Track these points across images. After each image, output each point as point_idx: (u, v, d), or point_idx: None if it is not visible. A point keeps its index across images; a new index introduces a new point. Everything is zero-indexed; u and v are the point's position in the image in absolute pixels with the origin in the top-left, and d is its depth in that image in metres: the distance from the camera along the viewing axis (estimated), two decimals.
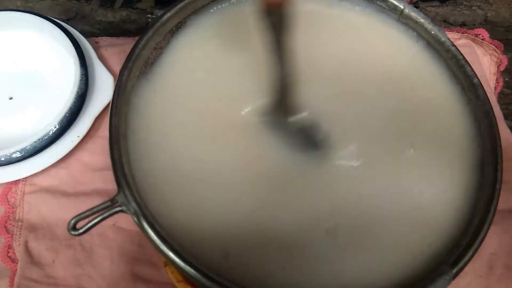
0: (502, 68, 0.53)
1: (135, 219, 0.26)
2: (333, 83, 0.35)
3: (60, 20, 0.50)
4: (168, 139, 0.31)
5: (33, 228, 0.42)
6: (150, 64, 0.33)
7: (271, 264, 0.28)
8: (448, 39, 0.34)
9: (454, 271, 0.26)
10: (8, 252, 0.42)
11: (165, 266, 0.41)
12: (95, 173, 0.44)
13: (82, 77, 0.44)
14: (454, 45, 0.34)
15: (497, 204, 0.28)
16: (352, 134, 0.33)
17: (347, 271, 0.28)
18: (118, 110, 0.29)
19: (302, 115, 0.33)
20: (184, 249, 0.26)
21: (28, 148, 0.42)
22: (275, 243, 0.29)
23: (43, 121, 0.44)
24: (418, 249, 0.29)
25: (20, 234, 0.42)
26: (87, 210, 0.26)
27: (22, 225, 0.43)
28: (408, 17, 0.35)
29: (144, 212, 0.26)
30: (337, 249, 0.29)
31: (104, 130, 0.46)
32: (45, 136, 0.42)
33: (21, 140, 0.42)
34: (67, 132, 0.43)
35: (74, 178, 0.44)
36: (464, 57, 0.33)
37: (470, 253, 0.27)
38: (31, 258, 0.41)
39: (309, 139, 0.33)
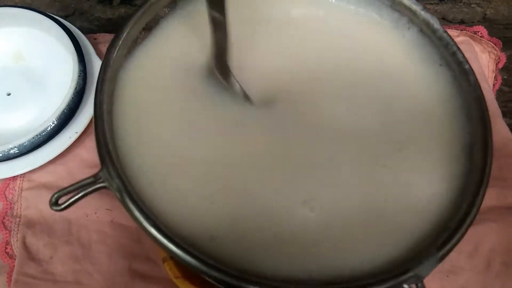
0: (500, 65, 0.54)
1: (118, 195, 0.25)
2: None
3: (58, 16, 0.50)
4: (153, 118, 0.31)
5: (31, 224, 0.42)
6: (138, 43, 0.33)
7: (258, 246, 0.28)
8: (441, 26, 0.34)
9: (441, 253, 0.26)
10: (6, 248, 0.42)
11: (164, 262, 0.41)
12: (93, 169, 0.44)
13: (80, 73, 0.43)
14: (446, 32, 0.34)
15: (485, 188, 0.28)
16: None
17: (331, 252, 0.28)
18: (104, 87, 0.28)
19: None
20: (167, 227, 0.25)
21: (26, 144, 0.41)
22: (259, 220, 0.29)
23: (41, 117, 0.44)
24: (406, 236, 0.29)
25: (18, 230, 0.42)
26: (69, 186, 0.26)
27: (20, 221, 0.43)
28: (401, 4, 0.35)
29: (128, 188, 0.26)
30: (319, 226, 0.29)
31: None
32: (43, 132, 0.42)
33: (19, 136, 0.41)
34: (65, 128, 0.43)
35: (72, 174, 0.44)
36: (456, 44, 0.33)
37: (457, 236, 0.27)
38: (29, 254, 0.41)
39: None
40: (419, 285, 0.25)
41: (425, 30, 0.35)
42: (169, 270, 0.40)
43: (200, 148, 0.31)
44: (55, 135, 0.43)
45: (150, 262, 0.42)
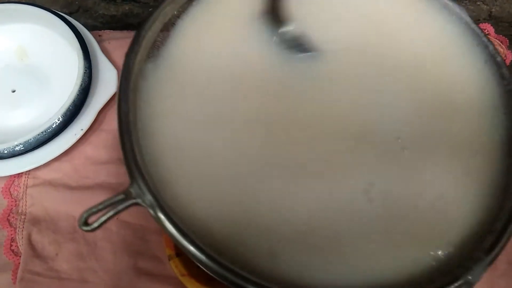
0: (507, 63, 0.53)
1: (151, 211, 0.24)
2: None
3: (62, 13, 0.49)
4: (180, 123, 0.30)
5: (36, 221, 0.42)
6: (157, 47, 0.31)
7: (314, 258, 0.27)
8: (470, 18, 0.33)
9: (490, 257, 0.25)
10: (11, 245, 0.42)
11: (169, 260, 0.41)
12: (98, 166, 0.44)
13: (85, 70, 0.43)
14: (475, 24, 0.33)
15: None
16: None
17: (377, 253, 0.27)
18: (126, 96, 0.27)
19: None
20: (205, 242, 0.24)
21: (31, 141, 0.41)
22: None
23: (46, 114, 0.44)
24: (446, 238, 0.27)
25: (23, 227, 0.42)
26: (99, 204, 0.25)
27: (25, 218, 0.42)
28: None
29: (161, 204, 0.24)
30: (374, 220, 0.27)
31: (107, 124, 0.46)
32: (48, 129, 0.41)
33: (24, 133, 0.41)
34: (71, 125, 0.43)
35: (77, 171, 0.44)
36: (486, 36, 0.32)
37: (505, 238, 0.25)
38: (34, 251, 0.41)
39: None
40: None
41: (458, 22, 0.34)
42: (175, 268, 0.40)
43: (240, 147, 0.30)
44: (60, 132, 0.42)
45: (155, 260, 0.42)
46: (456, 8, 0.34)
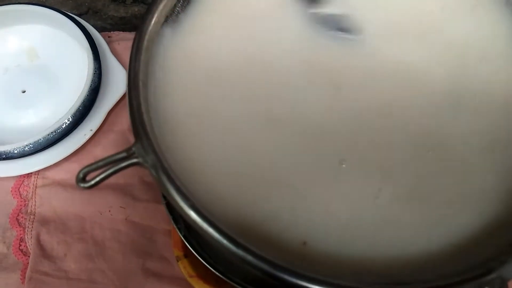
0: None
1: (153, 172, 0.23)
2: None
3: (72, 14, 0.50)
4: (192, 91, 0.29)
5: (45, 221, 0.42)
6: (177, 12, 0.30)
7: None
8: None
9: None
10: (20, 245, 0.42)
11: (178, 261, 0.41)
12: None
13: (95, 71, 0.43)
14: None
15: None
16: None
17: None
18: (139, 55, 0.26)
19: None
20: (208, 210, 0.23)
21: (40, 141, 0.41)
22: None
23: (55, 114, 0.44)
24: (482, 220, 0.26)
25: (32, 227, 0.42)
26: (99, 160, 0.23)
27: (34, 218, 0.43)
28: None
29: (164, 165, 0.23)
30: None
31: (117, 124, 0.46)
32: (58, 129, 0.42)
33: (34, 133, 0.42)
34: (80, 125, 0.43)
35: None
36: None
37: None
38: (43, 251, 0.41)
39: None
40: None
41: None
42: (183, 269, 0.40)
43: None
44: (70, 133, 0.42)
45: (163, 261, 0.42)
46: None
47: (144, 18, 0.28)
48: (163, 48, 0.29)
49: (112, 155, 0.23)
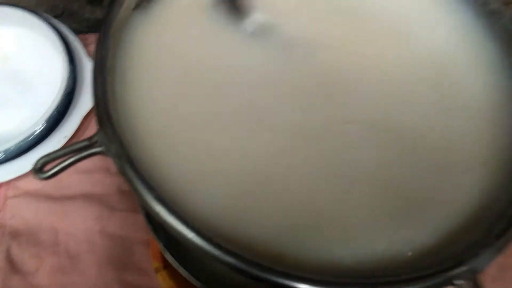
0: None
1: (117, 161, 0.22)
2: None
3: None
4: (161, 83, 0.28)
5: (16, 234, 0.40)
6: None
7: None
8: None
9: (500, 243, 0.23)
10: None
11: (157, 273, 0.39)
12: (82, 175, 0.42)
13: (70, 74, 0.42)
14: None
15: None
16: None
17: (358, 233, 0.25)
18: (106, 42, 0.25)
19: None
20: (173, 201, 0.22)
21: (12, 149, 0.40)
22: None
23: (29, 120, 0.42)
24: (457, 217, 0.26)
25: (2, 240, 0.40)
26: (59, 149, 0.22)
27: (4, 231, 0.41)
28: None
29: (128, 155, 0.22)
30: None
31: (92, 131, 0.44)
32: (30, 136, 0.40)
33: (5, 140, 0.40)
34: (54, 132, 0.42)
35: (60, 181, 0.42)
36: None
37: None
38: (13, 266, 0.39)
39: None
40: (475, 282, 0.22)
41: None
42: (163, 281, 0.39)
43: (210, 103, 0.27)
44: (43, 140, 0.41)
45: (142, 273, 0.40)
46: None
47: (112, 2, 0.26)
48: (132, 35, 0.28)
49: (73, 144, 0.22)
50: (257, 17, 0.30)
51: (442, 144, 0.29)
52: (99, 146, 0.22)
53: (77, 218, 0.41)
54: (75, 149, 0.22)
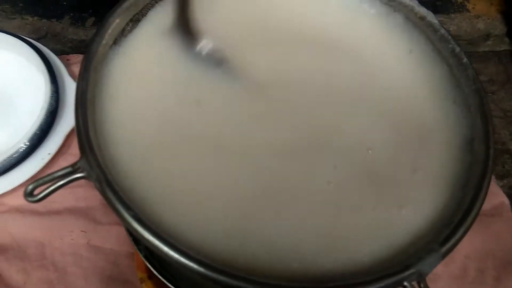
0: None
1: (98, 185, 0.24)
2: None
3: (30, 38, 0.49)
4: (140, 112, 0.30)
5: (2, 249, 0.41)
6: (125, 35, 0.31)
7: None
8: (437, 20, 0.34)
9: (444, 248, 0.25)
10: None
11: (142, 283, 0.40)
12: (67, 190, 0.42)
13: (52, 94, 0.43)
14: (443, 27, 0.33)
15: (489, 182, 0.28)
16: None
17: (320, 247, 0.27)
18: (87, 75, 0.27)
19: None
20: (152, 222, 0.24)
21: None
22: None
23: (12, 139, 0.43)
24: (403, 228, 0.28)
25: None
26: (46, 176, 0.24)
27: None
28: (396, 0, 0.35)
29: (108, 178, 0.24)
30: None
31: (76, 147, 0.45)
32: (14, 154, 0.41)
33: None
34: (38, 149, 0.43)
35: None
36: (453, 38, 0.33)
37: (461, 231, 0.25)
38: (1, 280, 0.40)
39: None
40: (422, 284, 0.24)
41: (420, 25, 0.34)
42: None
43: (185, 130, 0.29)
44: (27, 157, 0.42)
45: (128, 284, 0.41)
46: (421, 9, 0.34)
47: (92, 39, 0.29)
48: (109, 67, 0.30)
49: (58, 170, 0.24)
50: (207, 42, 0.33)
51: (388, 157, 0.31)
52: (82, 171, 0.24)
53: (63, 232, 0.42)
54: (60, 175, 0.24)
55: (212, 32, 0.33)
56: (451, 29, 0.62)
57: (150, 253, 0.35)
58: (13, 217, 0.42)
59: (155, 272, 0.34)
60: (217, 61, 0.32)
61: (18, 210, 0.43)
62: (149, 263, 0.35)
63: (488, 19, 0.63)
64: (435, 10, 0.63)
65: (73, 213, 0.43)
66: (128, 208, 0.23)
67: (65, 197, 0.43)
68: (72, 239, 0.42)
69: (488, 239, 0.45)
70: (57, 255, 0.41)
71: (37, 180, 0.24)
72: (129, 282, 0.42)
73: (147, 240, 0.23)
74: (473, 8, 0.64)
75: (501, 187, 0.50)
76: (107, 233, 0.43)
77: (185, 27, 0.32)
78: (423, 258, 0.24)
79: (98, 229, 0.43)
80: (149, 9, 0.33)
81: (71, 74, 0.48)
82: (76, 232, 0.42)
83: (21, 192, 0.43)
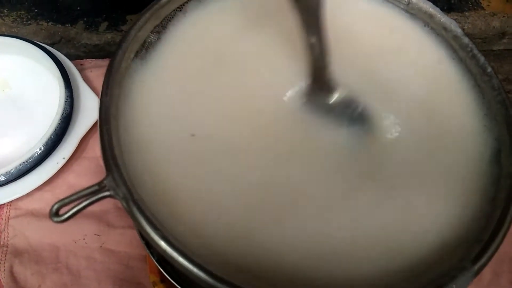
0: None
1: (125, 204, 0.23)
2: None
3: (45, 44, 0.50)
4: (165, 128, 0.29)
5: (18, 252, 0.42)
6: (147, 47, 0.31)
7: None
8: (460, 29, 0.33)
9: (477, 267, 0.24)
10: None
11: (154, 287, 0.40)
12: None
13: (67, 99, 0.44)
14: (466, 35, 0.33)
15: None
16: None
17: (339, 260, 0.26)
18: (110, 90, 0.27)
19: (340, 94, 0.31)
20: (179, 241, 0.23)
21: (12, 171, 0.41)
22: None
23: (28, 144, 0.44)
24: (433, 244, 0.27)
25: (5, 259, 0.41)
26: (72, 194, 0.24)
27: (7, 250, 0.42)
28: (416, 8, 0.34)
29: (134, 197, 0.23)
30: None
31: (90, 151, 0.46)
32: (30, 159, 0.41)
33: (6, 163, 0.41)
34: (52, 154, 0.43)
35: None
36: (476, 47, 0.32)
37: (492, 248, 0.25)
38: (16, 283, 0.40)
39: (351, 116, 0.31)
40: None
41: (443, 34, 0.34)
42: None
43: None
44: (42, 162, 0.42)
45: (140, 287, 0.42)
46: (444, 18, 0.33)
47: (114, 53, 0.28)
48: (133, 82, 0.30)
49: (85, 189, 0.24)
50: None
51: (413, 168, 0.30)
52: (108, 190, 0.24)
53: (77, 235, 0.43)
54: (86, 194, 0.24)
55: None
56: (465, 27, 0.61)
57: (163, 257, 0.36)
58: (29, 220, 0.43)
59: (167, 276, 0.35)
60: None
61: (34, 214, 0.43)
62: (162, 267, 0.35)
63: (504, 16, 0.62)
64: (450, 8, 0.62)
65: (87, 216, 0.43)
66: (156, 228, 0.23)
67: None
68: (86, 243, 0.42)
69: (504, 242, 0.44)
70: (71, 258, 0.42)
71: (63, 199, 0.24)
72: (142, 285, 0.42)
73: (177, 261, 0.23)
74: (488, 5, 0.63)
75: None
76: (120, 236, 0.43)
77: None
78: (456, 277, 0.23)
79: (112, 232, 0.43)
80: (169, 21, 0.33)
81: (85, 79, 0.48)
82: (89, 236, 0.43)
83: (36, 195, 0.44)
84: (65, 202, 0.24)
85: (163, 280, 0.40)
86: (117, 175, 0.24)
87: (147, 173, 0.27)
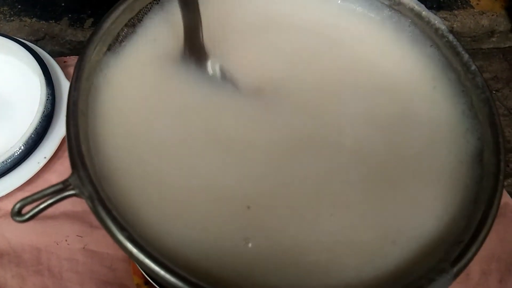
0: None
1: (90, 203, 0.22)
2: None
3: (28, 41, 0.49)
4: (135, 123, 0.28)
5: None
6: (119, 41, 0.30)
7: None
8: (445, 25, 0.33)
9: (456, 269, 0.23)
10: None
11: None
12: None
13: (48, 97, 0.43)
14: (451, 32, 0.32)
15: (500, 198, 0.26)
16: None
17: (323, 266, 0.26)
18: (79, 85, 0.26)
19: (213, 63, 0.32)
20: (147, 241, 0.22)
21: None
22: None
23: (8, 143, 0.43)
24: (413, 246, 0.27)
25: None
26: (35, 193, 0.23)
27: None
28: (400, 4, 0.34)
29: (100, 196, 0.22)
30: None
31: None
32: (9, 158, 0.40)
33: None
34: (33, 153, 0.42)
35: None
36: (461, 45, 0.32)
37: (473, 249, 0.24)
38: None
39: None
40: None
41: (427, 30, 0.33)
42: None
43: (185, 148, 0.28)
44: (23, 161, 0.41)
45: None
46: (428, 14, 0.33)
47: (85, 46, 0.27)
48: (104, 77, 0.29)
49: (48, 187, 0.23)
50: (214, 62, 0.32)
51: (394, 167, 0.30)
52: (73, 189, 0.23)
53: (58, 237, 0.42)
54: (50, 192, 0.23)
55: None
56: (455, 26, 0.61)
57: None
58: (9, 221, 0.42)
59: (149, 279, 0.34)
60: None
61: None
62: (143, 270, 0.34)
63: (493, 15, 0.62)
64: (439, 7, 0.62)
65: (69, 217, 0.42)
66: (122, 228, 0.22)
67: (62, 202, 0.43)
68: (68, 244, 0.42)
69: (491, 241, 0.44)
70: (53, 260, 0.41)
71: (25, 198, 0.23)
72: (125, 287, 0.41)
73: (142, 263, 0.22)
74: (477, 4, 0.63)
75: (505, 187, 0.49)
76: (103, 237, 0.42)
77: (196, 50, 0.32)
78: (434, 280, 0.23)
79: (94, 233, 0.42)
80: (145, 14, 0.32)
81: (68, 76, 0.47)
82: (72, 237, 0.42)
83: (17, 196, 0.43)
84: (27, 201, 0.23)
85: (147, 282, 0.39)
86: (83, 173, 0.23)
87: (117, 171, 0.26)
